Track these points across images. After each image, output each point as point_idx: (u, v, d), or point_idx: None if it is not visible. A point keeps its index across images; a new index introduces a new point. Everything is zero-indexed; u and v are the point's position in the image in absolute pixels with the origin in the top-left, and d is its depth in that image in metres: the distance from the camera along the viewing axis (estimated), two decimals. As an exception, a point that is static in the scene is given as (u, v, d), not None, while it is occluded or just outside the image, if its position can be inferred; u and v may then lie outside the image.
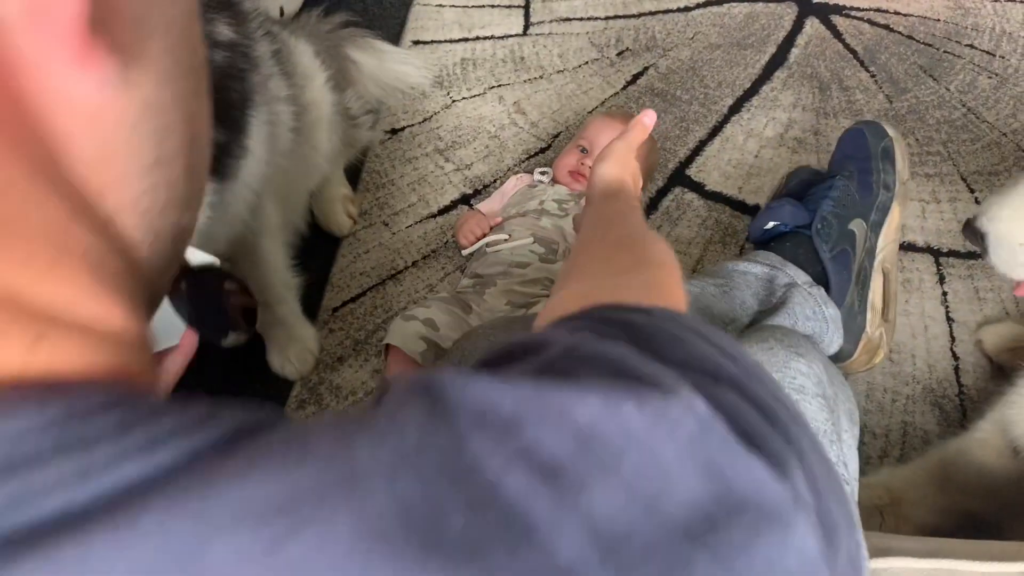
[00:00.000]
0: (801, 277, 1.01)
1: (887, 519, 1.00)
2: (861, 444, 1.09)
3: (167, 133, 0.27)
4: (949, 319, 1.21)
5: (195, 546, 0.19)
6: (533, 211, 1.20)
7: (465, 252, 1.23)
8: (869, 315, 1.08)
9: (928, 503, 0.99)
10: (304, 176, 1.22)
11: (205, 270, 0.52)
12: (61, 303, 0.23)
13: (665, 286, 0.48)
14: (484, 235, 1.20)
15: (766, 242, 1.08)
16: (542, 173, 1.29)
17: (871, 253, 1.09)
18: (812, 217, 1.06)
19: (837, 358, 1.06)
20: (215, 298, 0.51)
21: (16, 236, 0.22)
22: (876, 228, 1.10)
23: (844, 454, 0.72)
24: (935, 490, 0.98)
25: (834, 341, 1.01)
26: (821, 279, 1.04)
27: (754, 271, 1.01)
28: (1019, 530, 0.93)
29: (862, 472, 1.02)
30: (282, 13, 1.50)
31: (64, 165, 0.23)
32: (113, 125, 0.24)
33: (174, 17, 0.27)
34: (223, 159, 0.86)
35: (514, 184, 1.29)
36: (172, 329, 0.68)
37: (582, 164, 1.24)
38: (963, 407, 1.12)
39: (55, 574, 0.19)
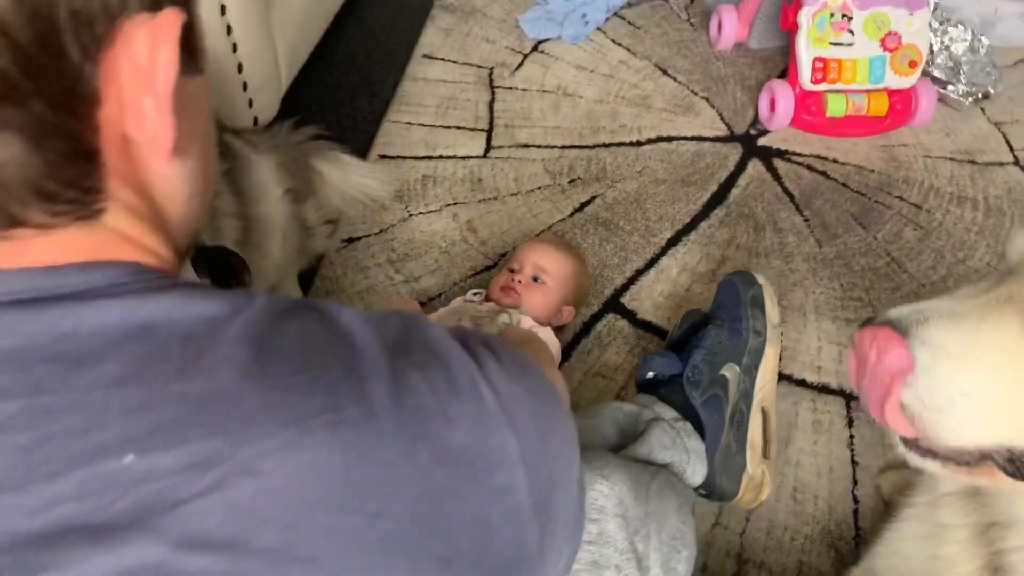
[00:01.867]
0: (668, 413, 1.10)
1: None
2: (757, 580, 1.14)
3: (198, 179, 0.52)
4: (854, 462, 1.27)
5: None
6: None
7: None
8: (749, 454, 1.14)
9: (810, 645, 1.03)
10: (255, 283, 1.29)
11: (217, 247, 0.81)
12: (150, 244, 0.48)
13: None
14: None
15: (648, 389, 1.18)
16: (475, 293, 1.36)
17: (747, 395, 1.17)
18: (685, 365, 1.16)
19: (722, 497, 1.12)
20: (225, 261, 0.78)
21: (138, 217, 0.48)
22: (751, 371, 1.18)
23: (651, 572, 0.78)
24: (817, 633, 1.03)
25: (697, 471, 1.08)
26: (693, 423, 1.11)
27: (624, 408, 1.11)
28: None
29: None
30: (256, 123, 1.60)
31: (153, 195, 0.49)
32: (175, 180, 0.50)
33: (204, 125, 0.52)
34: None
35: (454, 305, 1.35)
36: None
37: (511, 280, 1.32)
38: (858, 550, 1.17)
39: None
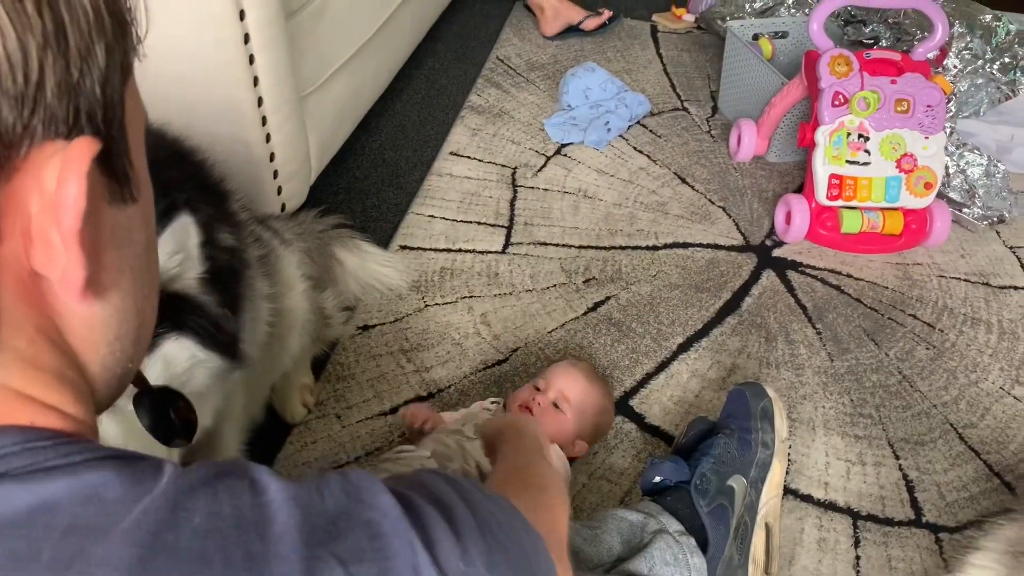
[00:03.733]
0: (673, 526, 1.09)
1: None
2: None
3: (127, 317, 0.46)
4: (859, 584, 1.24)
5: None
6: (452, 431, 1.26)
7: (384, 455, 1.28)
8: (750, 568, 1.13)
9: None
10: (270, 371, 1.31)
11: (162, 389, 0.70)
12: (51, 400, 0.41)
13: (545, 505, 0.66)
14: (422, 424, 1.27)
15: (653, 493, 1.18)
16: (492, 402, 1.36)
17: (752, 508, 1.16)
18: (693, 474, 1.15)
19: None
20: (166, 409, 0.69)
21: (36, 368, 0.41)
22: (757, 484, 1.18)
23: None
24: None
25: None
26: (697, 532, 1.11)
27: (629, 518, 1.10)
28: None
29: None
30: (283, 209, 1.65)
31: (66, 338, 0.43)
32: (94, 321, 0.43)
33: (136, 257, 0.46)
34: (240, 344, 0.95)
35: (476, 409, 1.35)
36: None
37: (532, 399, 1.31)
38: None
39: None
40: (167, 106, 1.42)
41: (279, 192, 1.63)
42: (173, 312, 0.82)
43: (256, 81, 1.46)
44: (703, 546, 1.10)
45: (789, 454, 1.31)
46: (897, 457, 1.43)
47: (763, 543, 1.17)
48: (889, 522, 1.33)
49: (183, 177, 1.00)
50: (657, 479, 1.18)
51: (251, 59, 1.42)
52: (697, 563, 1.07)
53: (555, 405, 1.31)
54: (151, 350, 0.80)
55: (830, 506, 1.34)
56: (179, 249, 0.81)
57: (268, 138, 1.54)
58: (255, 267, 1.13)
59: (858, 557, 1.28)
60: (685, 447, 1.27)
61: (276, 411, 1.40)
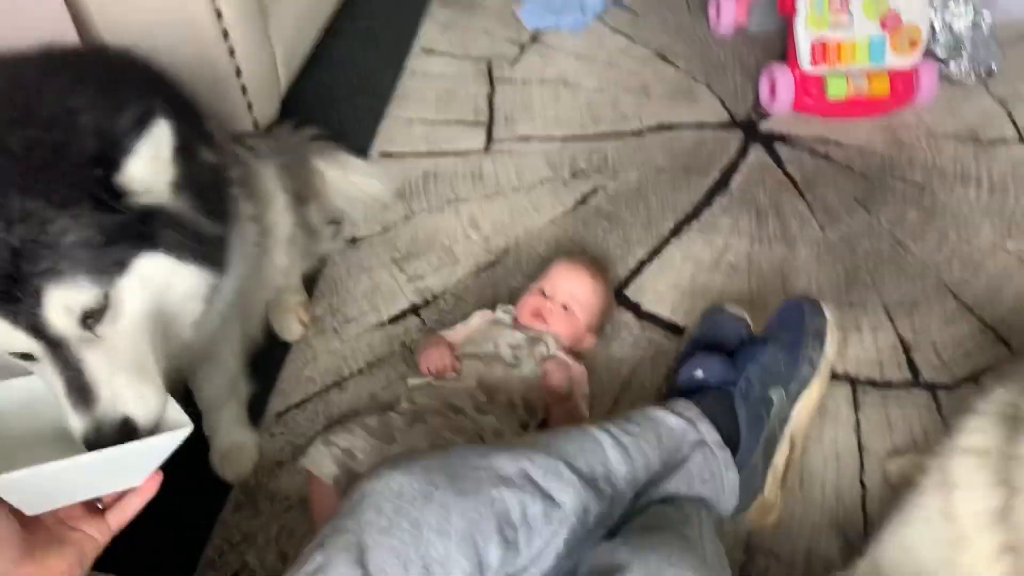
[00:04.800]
0: (712, 436, 1.06)
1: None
2: (766, 570, 1.15)
3: None
4: (860, 448, 1.28)
5: None
6: (487, 354, 1.25)
7: (413, 382, 1.27)
8: (770, 478, 1.14)
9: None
10: (262, 289, 1.31)
11: None
12: None
13: None
14: (445, 372, 1.25)
15: (689, 391, 1.13)
16: (504, 311, 1.35)
17: (784, 421, 1.16)
18: (738, 376, 1.13)
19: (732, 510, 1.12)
20: None
21: None
22: (793, 399, 1.17)
23: None
24: (825, 621, 1.04)
25: (730, 504, 1.07)
26: (732, 436, 1.09)
27: (669, 422, 1.05)
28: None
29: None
30: (256, 125, 1.60)
31: None
32: None
33: None
34: (222, 252, 0.92)
35: (479, 320, 1.35)
36: (135, 473, 0.76)
37: (542, 308, 1.31)
38: (866, 536, 1.17)
39: None
40: (127, 30, 1.37)
41: (250, 108, 1.58)
42: (144, 229, 0.78)
43: (212, -7, 1.39)
44: (733, 452, 1.09)
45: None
46: (892, 320, 1.44)
47: (785, 456, 1.17)
48: (887, 385, 1.36)
49: (163, 95, 0.96)
50: (700, 374, 1.15)
51: (204, -30, 1.36)
52: (731, 478, 1.06)
53: (565, 307, 1.31)
54: (124, 272, 0.77)
55: (830, 375, 1.36)
56: (156, 156, 0.78)
57: (232, 52, 1.49)
58: (237, 187, 1.11)
59: (858, 421, 1.31)
60: (718, 343, 1.23)
61: (274, 331, 1.40)
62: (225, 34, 1.45)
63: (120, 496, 0.76)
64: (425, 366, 1.28)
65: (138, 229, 0.77)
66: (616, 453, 0.97)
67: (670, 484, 1.01)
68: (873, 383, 1.36)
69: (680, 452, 1.04)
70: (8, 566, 0.64)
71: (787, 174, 1.70)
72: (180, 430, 0.76)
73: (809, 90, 1.78)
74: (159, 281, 0.80)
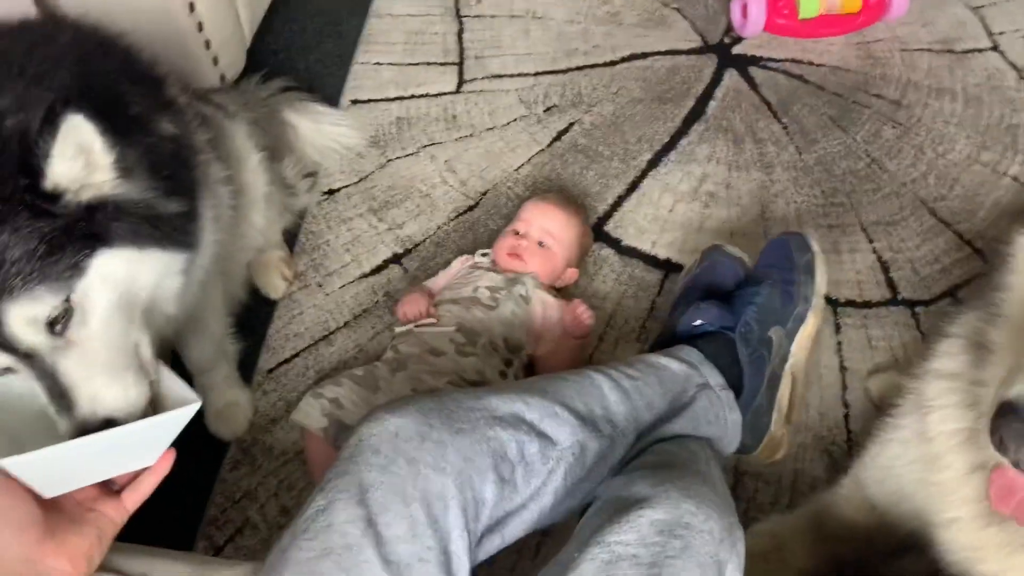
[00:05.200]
0: (715, 379, 1.08)
1: (772, 564, 1.09)
2: (755, 492, 1.18)
3: None
4: (843, 368, 1.30)
5: None
6: (466, 298, 1.26)
7: (398, 330, 1.29)
8: (775, 416, 1.15)
9: (806, 550, 1.08)
10: (242, 250, 1.30)
11: None
12: None
13: None
14: (420, 318, 1.26)
15: (690, 337, 1.15)
16: (483, 255, 1.36)
17: (784, 359, 1.17)
18: (736, 320, 1.14)
19: (742, 451, 1.14)
20: None
21: None
22: (791, 336, 1.18)
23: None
24: (811, 538, 1.07)
25: (732, 444, 1.09)
26: (735, 379, 1.11)
27: (672, 367, 1.07)
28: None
29: (753, 520, 1.12)
30: (223, 80, 1.57)
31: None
32: None
33: None
34: (188, 228, 0.90)
35: (459, 265, 1.35)
36: (147, 451, 0.77)
37: (518, 247, 1.31)
38: (851, 453, 1.21)
39: None
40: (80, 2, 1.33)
41: (215, 63, 1.55)
42: (93, 226, 0.75)
43: (165, -54, 1.35)
44: (737, 394, 1.11)
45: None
46: (871, 240, 1.46)
47: (788, 393, 1.18)
48: (867, 304, 1.38)
49: (111, 69, 0.94)
50: (699, 322, 1.15)
51: (154, -77, 1.31)
52: (734, 419, 1.08)
53: (541, 244, 1.31)
54: (82, 274, 0.74)
55: (809, 298, 1.38)
56: (79, 152, 0.75)
57: (192, 7, 1.45)
58: (206, 151, 1.09)
59: (840, 342, 1.33)
60: (715, 285, 1.24)
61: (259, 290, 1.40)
62: (183, -12, 1.42)
63: (134, 476, 0.78)
64: (402, 315, 1.29)
65: (86, 228, 0.74)
66: (615, 395, 0.98)
67: (676, 425, 1.02)
68: (853, 303, 1.38)
69: (686, 394, 1.05)
70: (32, 546, 0.66)
71: (762, 97, 1.69)
72: (188, 407, 0.77)
73: (780, 10, 1.76)
74: (122, 275, 0.78)
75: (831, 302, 1.37)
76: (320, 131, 1.57)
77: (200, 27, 1.49)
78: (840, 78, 1.73)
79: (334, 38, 1.84)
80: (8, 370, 0.75)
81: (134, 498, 0.77)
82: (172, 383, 0.84)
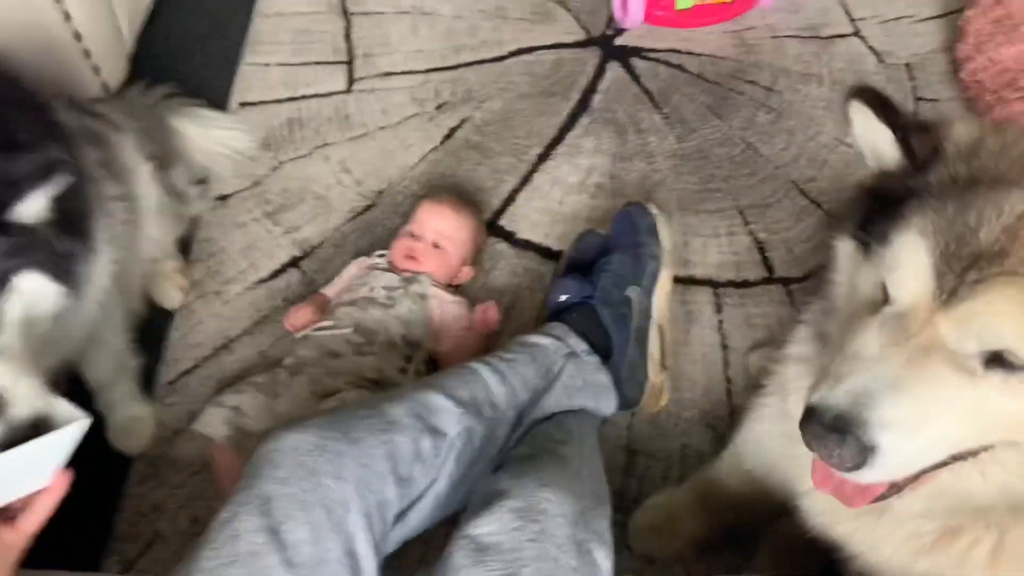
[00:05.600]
0: (579, 346, 1.18)
1: (664, 536, 1.17)
2: (647, 469, 1.26)
3: None
4: (724, 346, 1.39)
5: None
6: (362, 298, 1.30)
7: (296, 335, 1.31)
8: (650, 365, 1.25)
9: (696, 519, 1.16)
10: (137, 263, 1.30)
11: None
12: None
13: None
14: (307, 326, 1.30)
15: (559, 312, 1.25)
16: (379, 255, 1.39)
17: (646, 313, 1.27)
18: (595, 289, 1.24)
19: (629, 405, 1.23)
20: None
21: None
22: (648, 292, 1.27)
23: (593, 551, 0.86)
24: (700, 508, 1.16)
25: (607, 404, 1.19)
26: (604, 344, 1.20)
27: (541, 342, 1.17)
28: (771, 539, 1.12)
29: (646, 495, 1.20)
30: (106, 90, 1.55)
31: None
32: None
33: None
34: (75, 268, 0.94)
35: (355, 269, 1.39)
36: (40, 473, 0.78)
37: (413, 249, 1.36)
38: (733, 427, 1.29)
39: None
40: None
41: (96, 72, 1.53)
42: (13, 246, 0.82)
43: (34, -43, 1.32)
44: (607, 357, 1.21)
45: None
46: (747, 223, 1.55)
47: (658, 342, 1.28)
48: (745, 284, 1.47)
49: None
50: (563, 297, 1.26)
51: (21, -67, 1.28)
52: (601, 379, 1.18)
53: (436, 246, 1.36)
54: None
55: (691, 281, 1.46)
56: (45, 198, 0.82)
57: (67, 16, 1.42)
58: (97, 172, 1.09)
59: (721, 321, 1.42)
60: (579, 261, 1.34)
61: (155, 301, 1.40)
62: (56, -2, 1.39)
63: (28, 500, 0.79)
64: (290, 326, 1.33)
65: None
66: (494, 379, 1.08)
67: (550, 399, 1.12)
68: (733, 283, 1.47)
69: (555, 366, 1.15)
70: None
71: (644, 88, 1.77)
72: (75, 424, 0.79)
73: (658, 2, 1.83)
74: (34, 295, 0.85)
75: (712, 284, 1.46)
76: (209, 136, 1.56)
77: (78, 36, 1.46)
78: (717, 66, 1.81)
79: (219, 38, 1.82)
80: None
81: (31, 519, 0.79)
82: (58, 404, 0.85)
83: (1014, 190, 0.61)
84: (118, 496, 1.22)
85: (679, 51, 1.84)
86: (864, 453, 0.61)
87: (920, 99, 1.76)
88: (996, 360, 0.60)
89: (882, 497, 0.69)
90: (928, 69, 1.80)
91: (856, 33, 1.88)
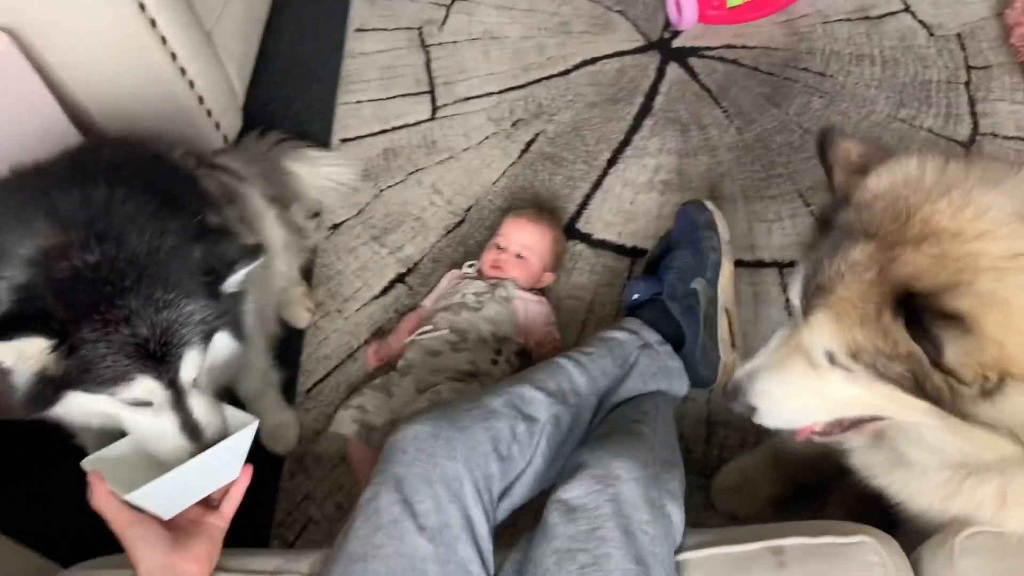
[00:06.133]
0: (653, 338, 1.33)
1: (744, 495, 1.32)
2: (725, 438, 1.41)
3: None
4: (791, 321, 1.52)
5: None
6: (455, 304, 1.49)
7: (405, 341, 1.51)
8: (721, 347, 1.39)
9: (769, 480, 1.31)
10: (272, 294, 1.52)
11: None
12: None
13: None
14: (382, 363, 1.52)
15: (633, 309, 1.40)
16: (469, 265, 1.58)
17: (713, 301, 1.41)
18: (663, 285, 1.39)
19: (704, 384, 1.38)
20: None
21: None
22: (713, 282, 1.42)
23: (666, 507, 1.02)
24: (774, 470, 1.31)
25: (681, 386, 1.33)
26: (676, 333, 1.35)
27: (617, 336, 1.32)
28: (839, 495, 1.25)
29: (726, 461, 1.35)
30: (226, 141, 1.79)
31: None
32: None
33: None
34: (242, 326, 1.16)
35: (447, 281, 1.58)
36: (230, 468, 1.00)
37: (498, 259, 1.54)
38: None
39: None
40: (99, 101, 1.54)
41: (217, 127, 1.76)
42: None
43: (164, 40, 1.55)
44: (681, 344, 1.35)
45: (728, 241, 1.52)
46: (807, 204, 1.67)
47: (727, 326, 1.43)
48: (808, 263, 1.59)
49: (169, 185, 1.15)
50: (635, 296, 1.41)
51: (152, 23, 1.52)
52: (675, 365, 1.32)
53: (519, 256, 1.53)
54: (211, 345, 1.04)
55: (759, 264, 1.60)
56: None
57: (192, 85, 1.66)
58: (239, 227, 1.30)
59: (787, 300, 1.55)
60: (652, 261, 1.49)
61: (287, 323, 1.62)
62: (183, 71, 1.62)
63: (226, 490, 1.01)
64: (370, 362, 1.55)
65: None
66: (576, 371, 1.24)
67: (627, 385, 1.27)
68: (795, 264, 1.59)
69: (631, 357, 1.30)
70: (166, 555, 0.89)
71: (703, 85, 1.90)
72: (250, 425, 1.01)
73: (711, 1, 1.95)
74: (219, 346, 1.06)
75: (777, 265, 1.59)
76: (318, 173, 1.78)
77: (201, 100, 1.70)
78: (771, 57, 1.92)
79: (315, 82, 2.04)
80: (141, 403, 0.98)
81: (230, 505, 1.01)
82: (231, 412, 1.07)
83: (860, 241, 0.78)
84: (274, 491, 1.45)
85: (734, 46, 1.96)
86: (751, 410, 0.92)
87: (972, 67, 1.83)
88: (833, 358, 0.82)
89: (824, 434, 0.95)
90: (978, 37, 1.87)
91: (906, 9, 1.96)
